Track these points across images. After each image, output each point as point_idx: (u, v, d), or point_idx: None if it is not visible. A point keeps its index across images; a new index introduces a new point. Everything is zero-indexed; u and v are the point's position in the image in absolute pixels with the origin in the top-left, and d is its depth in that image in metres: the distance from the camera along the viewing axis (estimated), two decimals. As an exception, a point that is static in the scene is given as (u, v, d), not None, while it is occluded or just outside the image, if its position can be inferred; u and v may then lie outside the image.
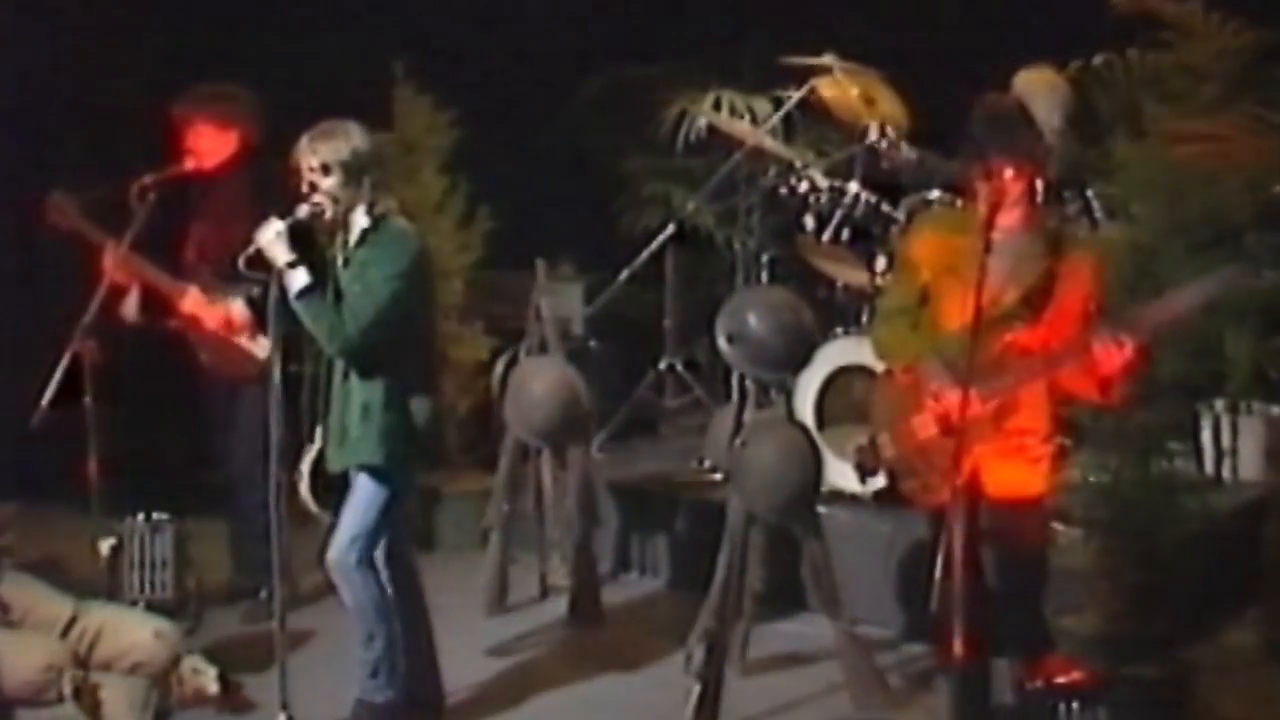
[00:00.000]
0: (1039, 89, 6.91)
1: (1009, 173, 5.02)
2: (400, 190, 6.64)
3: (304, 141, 5.56)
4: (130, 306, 6.67)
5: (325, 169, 5.51)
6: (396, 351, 5.55)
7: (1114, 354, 4.82)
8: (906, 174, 7.41)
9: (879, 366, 5.62)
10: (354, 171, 5.52)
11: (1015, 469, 5.10)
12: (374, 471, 5.60)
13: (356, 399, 5.57)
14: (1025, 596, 5.25)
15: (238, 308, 6.60)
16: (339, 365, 5.63)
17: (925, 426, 5.14)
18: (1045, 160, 6.12)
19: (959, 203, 6.46)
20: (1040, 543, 5.28)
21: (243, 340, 6.60)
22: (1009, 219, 5.04)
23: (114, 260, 6.47)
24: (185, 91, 6.75)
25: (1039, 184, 5.13)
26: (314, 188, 5.52)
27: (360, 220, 5.56)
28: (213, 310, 6.65)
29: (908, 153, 7.42)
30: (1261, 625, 6.33)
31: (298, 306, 5.47)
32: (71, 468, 6.13)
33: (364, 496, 5.62)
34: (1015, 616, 5.27)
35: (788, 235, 7.66)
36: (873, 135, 7.47)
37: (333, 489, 5.75)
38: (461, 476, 7.69)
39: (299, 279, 5.44)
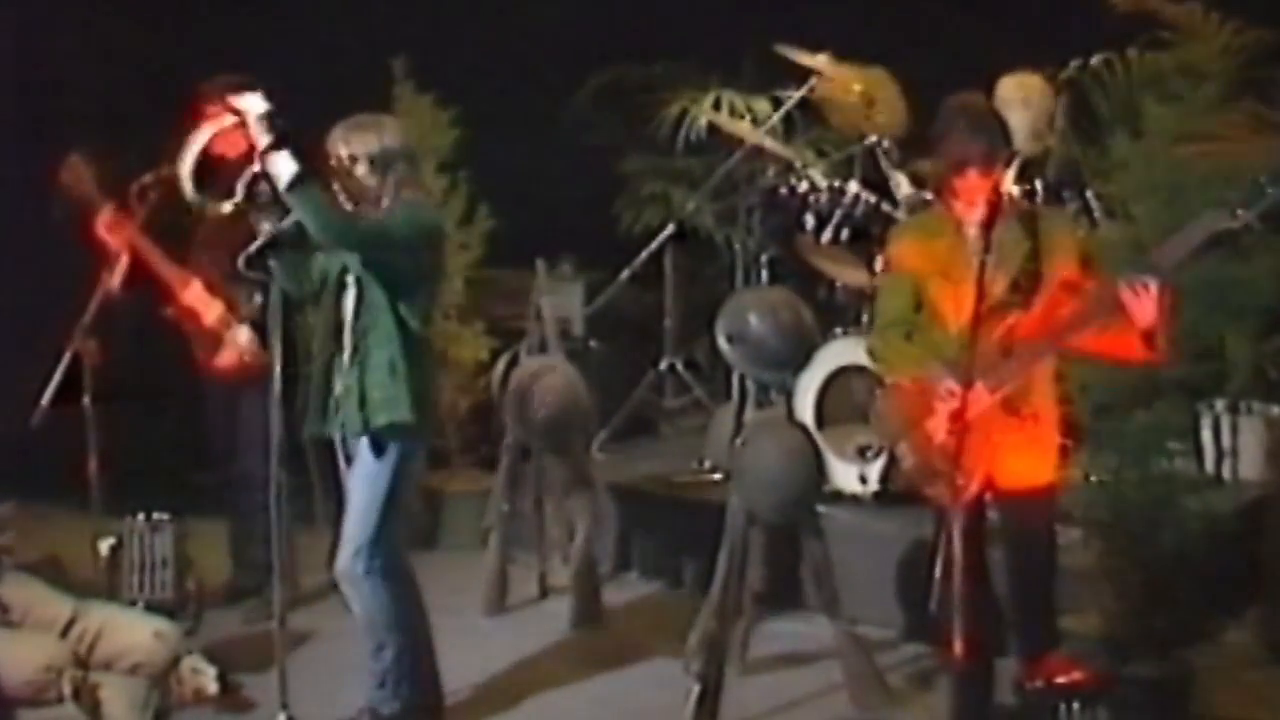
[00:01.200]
0: (1033, 92, 6.90)
1: (989, 171, 5.04)
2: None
3: (337, 132, 5.61)
4: (115, 277, 6.61)
5: (353, 160, 5.57)
6: (409, 309, 5.53)
7: (1147, 301, 4.79)
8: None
9: (880, 373, 5.62)
10: (380, 165, 5.57)
11: (1028, 457, 5.11)
12: (396, 431, 5.55)
13: (378, 358, 5.52)
14: (1036, 593, 5.26)
15: (244, 335, 6.60)
16: (359, 329, 5.57)
17: (940, 428, 5.14)
18: (1039, 157, 6.14)
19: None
20: (1049, 539, 5.29)
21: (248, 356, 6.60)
22: (985, 212, 5.05)
23: (106, 223, 6.46)
24: (184, 93, 6.74)
25: (1038, 183, 5.15)
26: (347, 177, 5.56)
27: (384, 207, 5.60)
28: (212, 306, 6.65)
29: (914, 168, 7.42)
30: (1261, 625, 6.33)
31: (290, 198, 5.35)
32: (71, 467, 6.13)
33: (364, 493, 5.58)
34: (1024, 614, 5.27)
35: (788, 235, 7.66)
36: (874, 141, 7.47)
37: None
38: (461, 476, 7.69)
39: (285, 166, 5.33)
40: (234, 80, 6.72)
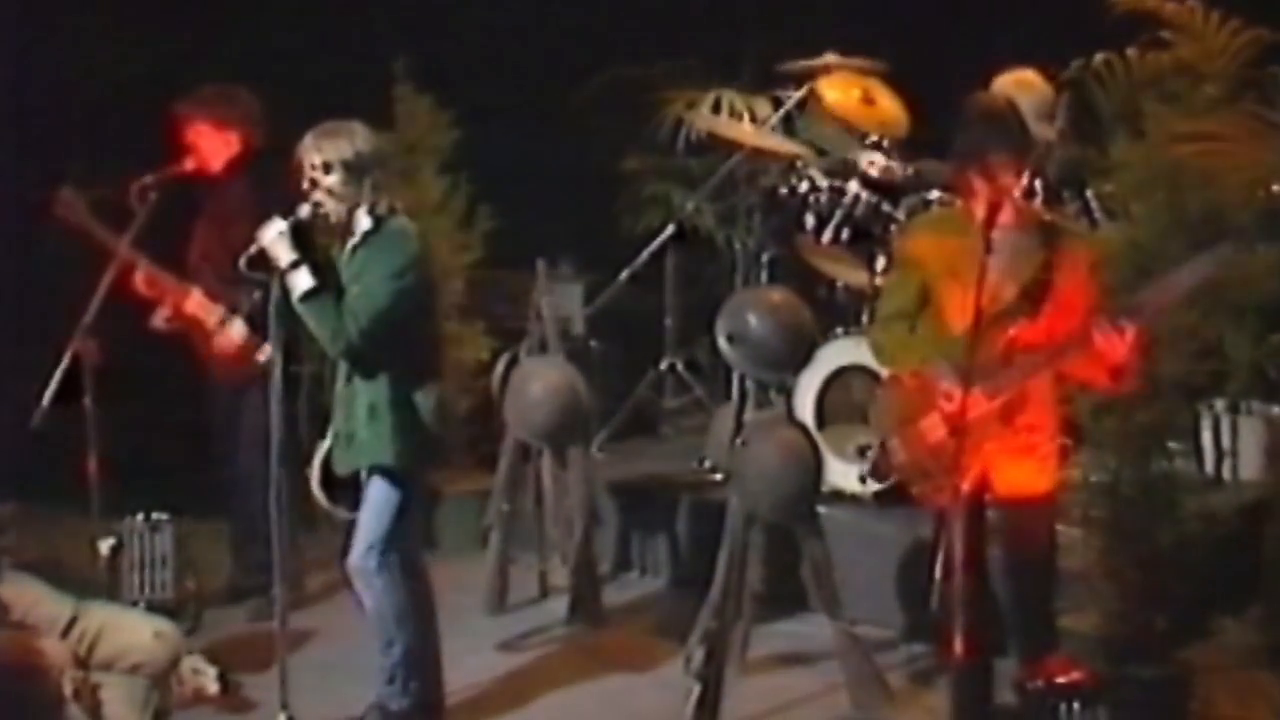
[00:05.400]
0: (1024, 91, 6.89)
1: (1007, 171, 5.03)
2: (400, 190, 6.63)
3: (307, 139, 5.56)
4: (160, 318, 6.71)
5: (327, 167, 5.52)
6: (399, 351, 5.55)
7: (1118, 342, 4.82)
8: (907, 187, 7.40)
9: (880, 367, 5.62)
10: (356, 171, 5.52)
11: (1024, 467, 5.11)
12: (384, 472, 5.60)
13: (362, 400, 5.57)
14: (1034, 596, 5.26)
15: (237, 329, 6.60)
16: (342, 367, 5.63)
17: (935, 428, 5.14)
18: (1038, 157, 6.12)
19: (958, 203, 6.47)
20: (1049, 542, 5.29)
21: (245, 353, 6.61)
22: (1003, 216, 5.05)
23: (144, 280, 6.52)
24: (187, 93, 6.76)
25: (1038, 183, 5.15)
26: (315, 185, 5.52)
27: (363, 221, 5.56)
28: (214, 311, 6.66)
29: (904, 170, 7.41)
30: (1261, 625, 6.32)
31: (301, 309, 5.47)
32: (71, 468, 6.13)
33: (377, 499, 5.62)
34: (1023, 616, 5.27)
35: (788, 235, 7.66)
36: (864, 159, 7.45)
37: (344, 486, 5.75)
38: (461, 476, 7.69)
39: (302, 281, 5.44)
40: (207, 94, 6.76)
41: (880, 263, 7.16)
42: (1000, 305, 5.04)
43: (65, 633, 5.47)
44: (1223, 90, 6.15)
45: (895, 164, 7.42)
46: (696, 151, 8.67)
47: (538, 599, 7.10)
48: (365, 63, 7.74)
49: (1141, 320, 4.86)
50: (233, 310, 6.63)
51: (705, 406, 8.21)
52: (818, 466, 6.00)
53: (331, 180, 5.52)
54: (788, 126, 8.16)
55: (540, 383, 6.79)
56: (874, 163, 7.42)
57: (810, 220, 7.37)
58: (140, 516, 6.57)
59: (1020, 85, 6.89)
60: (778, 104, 8.21)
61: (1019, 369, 5.02)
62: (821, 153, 8.09)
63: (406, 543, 5.70)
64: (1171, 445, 5.71)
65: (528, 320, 7.21)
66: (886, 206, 7.27)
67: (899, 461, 5.30)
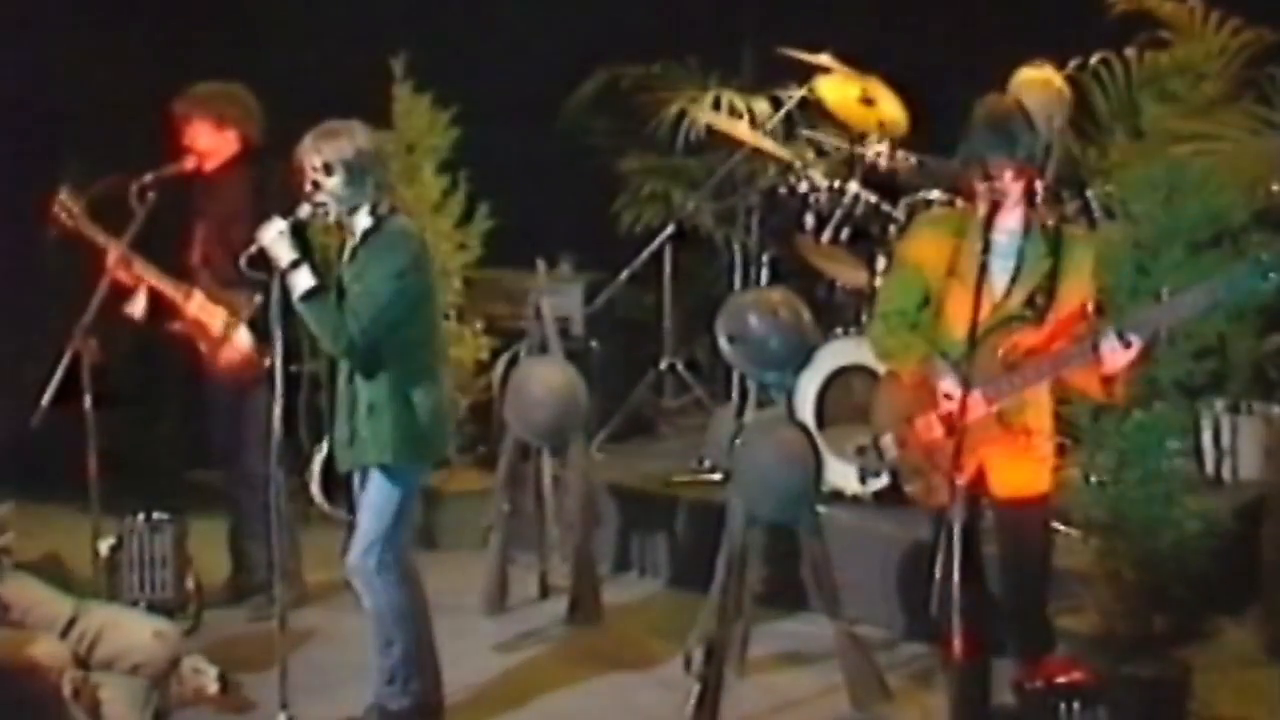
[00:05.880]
0: (1035, 89, 6.90)
1: (1009, 174, 5.03)
2: (400, 190, 6.64)
3: (307, 140, 5.56)
4: (138, 305, 6.68)
5: (328, 168, 5.51)
6: (400, 350, 5.56)
7: (1121, 356, 4.83)
8: (907, 180, 7.40)
9: (880, 366, 5.62)
10: (356, 171, 5.52)
11: (1021, 468, 5.11)
12: (384, 470, 5.61)
13: (362, 399, 5.57)
14: (1029, 596, 5.26)
15: (243, 338, 6.59)
16: (343, 366, 5.64)
17: (930, 427, 5.14)
18: (1045, 161, 6.13)
19: (958, 203, 6.47)
20: (1045, 542, 5.29)
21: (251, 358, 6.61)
22: (1010, 220, 5.06)
23: (116, 260, 6.47)
24: (185, 91, 6.76)
25: (1038, 184, 5.14)
26: (317, 187, 5.53)
27: (363, 220, 5.57)
28: (216, 314, 6.65)
29: (906, 159, 7.41)
30: (1261, 625, 6.33)
31: (301, 309, 5.48)
32: (71, 467, 6.13)
33: (377, 498, 5.62)
34: (1019, 616, 5.27)
35: (788, 235, 7.66)
36: (870, 149, 7.45)
37: (343, 487, 5.75)
38: (461, 476, 7.69)
39: (303, 281, 5.44)
40: (206, 93, 6.76)
41: (880, 263, 7.16)
42: (1005, 310, 5.04)
43: (65, 633, 5.47)
44: (1222, 90, 6.16)
45: (901, 153, 7.42)
46: (696, 151, 8.67)
47: (538, 599, 7.09)
48: (365, 62, 7.74)
49: (1147, 336, 4.87)
50: (234, 315, 6.62)
51: (705, 406, 8.22)
52: (817, 466, 6.00)
53: (333, 181, 5.51)
54: (788, 126, 8.17)
55: (540, 383, 6.80)
56: (881, 153, 7.42)
57: (810, 220, 7.37)
58: (140, 516, 6.56)
59: (1032, 83, 6.87)
60: (777, 103, 8.21)
61: (1020, 376, 5.02)
62: (821, 153, 8.09)
63: (404, 542, 5.71)
64: (1171, 445, 5.72)
65: (527, 320, 7.22)
66: (886, 206, 7.27)
67: (890, 458, 5.30)
